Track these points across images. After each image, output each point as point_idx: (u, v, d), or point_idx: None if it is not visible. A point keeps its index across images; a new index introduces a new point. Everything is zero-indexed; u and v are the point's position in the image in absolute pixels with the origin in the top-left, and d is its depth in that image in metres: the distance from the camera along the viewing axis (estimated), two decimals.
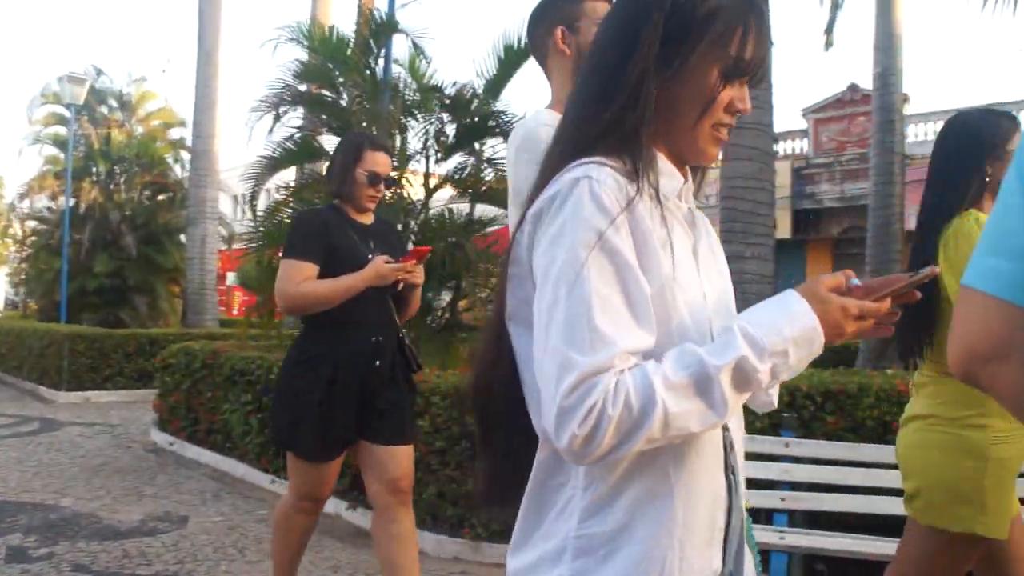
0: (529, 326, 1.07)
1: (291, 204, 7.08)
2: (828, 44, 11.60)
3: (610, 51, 1.13)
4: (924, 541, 2.23)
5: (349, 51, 6.75)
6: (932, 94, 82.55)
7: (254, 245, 7.06)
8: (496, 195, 6.67)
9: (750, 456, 3.22)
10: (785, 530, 3.46)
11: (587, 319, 0.98)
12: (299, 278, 2.95)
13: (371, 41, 6.63)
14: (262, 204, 7.59)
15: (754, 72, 1.14)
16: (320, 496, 3.16)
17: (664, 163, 1.14)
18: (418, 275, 3.11)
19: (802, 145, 19.57)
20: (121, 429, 8.70)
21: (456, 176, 6.74)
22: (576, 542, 1.06)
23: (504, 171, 7.03)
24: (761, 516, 3.57)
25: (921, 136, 17.33)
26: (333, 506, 5.30)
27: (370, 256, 3.04)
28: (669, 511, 1.05)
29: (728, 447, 1.13)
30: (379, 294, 3.06)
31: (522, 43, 6.68)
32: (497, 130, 6.73)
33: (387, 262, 2.99)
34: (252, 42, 35.67)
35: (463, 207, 6.80)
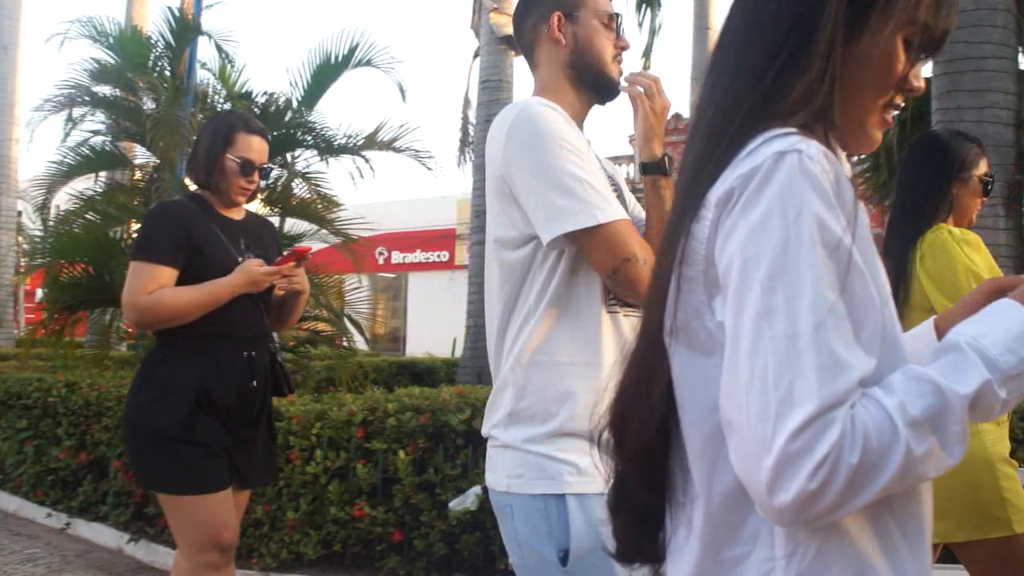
0: (698, 345, 0.89)
1: (86, 215, 6.58)
2: (646, 68, 12.13)
3: (785, 9, 0.91)
4: (990, 557, 2.15)
5: (148, 52, 6.37)
6: None
7: (41, 260, 6.50)
8: (307, 209, 6.46)
9: None
10: None
11: (818, 336, 0.76)
12: (152, 285, 2.47)
13: (172, 43, 6.27)
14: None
15: (941, 45, 0.96)
16: (224, 541, 2.50)
17: (835, 146, 0.95)
18: (300, 279, 2.70)
19: (629, 170, 20.40)
20: None
21: (265, 189, 6.47)
22: None
23: (319, 185, 6.90)
24: None
25: None
26: (114, 539, 4.89)
27: (240, 259, 2.62)
28: (901, 572, 0.85)
29: None
30: (251, 301, 2.63)
31: (339, 57, 6.55)
32: (310, 141, 6.53)
33: (260, 264, 2.60)
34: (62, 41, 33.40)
35: (272, 221, 6.53)
